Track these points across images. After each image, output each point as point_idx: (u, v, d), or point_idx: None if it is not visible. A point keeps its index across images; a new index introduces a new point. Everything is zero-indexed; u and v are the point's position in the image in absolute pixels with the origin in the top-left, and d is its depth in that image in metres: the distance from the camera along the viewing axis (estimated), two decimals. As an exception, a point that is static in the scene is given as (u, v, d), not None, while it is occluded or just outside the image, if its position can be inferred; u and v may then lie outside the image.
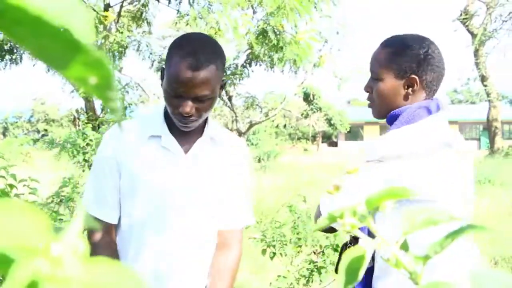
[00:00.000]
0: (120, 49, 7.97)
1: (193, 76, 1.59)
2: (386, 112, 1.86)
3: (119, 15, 8.79)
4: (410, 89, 1.80)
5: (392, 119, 1.84)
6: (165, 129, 1.74)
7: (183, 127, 1.70)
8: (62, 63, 0.27)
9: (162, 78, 1.69)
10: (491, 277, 0.41)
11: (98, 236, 1.75)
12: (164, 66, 1.69)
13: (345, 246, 1.94)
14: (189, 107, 1.62)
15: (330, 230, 1.89)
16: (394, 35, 1.91)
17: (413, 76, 1.78)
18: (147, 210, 1.73)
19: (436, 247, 0.41)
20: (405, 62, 1.79)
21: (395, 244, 0.43)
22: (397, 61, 1.80)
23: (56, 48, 0.26)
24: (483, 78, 26.95)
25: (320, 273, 3.98)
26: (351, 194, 1.71)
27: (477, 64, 25.58)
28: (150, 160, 1.73)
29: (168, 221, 1.75)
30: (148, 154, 1.73)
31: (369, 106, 1.93)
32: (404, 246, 0.45)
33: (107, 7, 8.50)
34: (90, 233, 1.77)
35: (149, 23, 10.42)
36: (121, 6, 8.93)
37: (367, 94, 1.92)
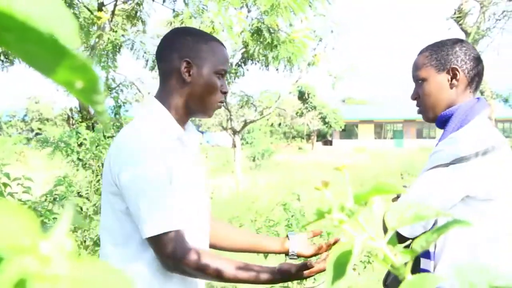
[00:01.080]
0: (114, 48, 7.95)
1: (227, 53, 1.85)
2: (438, 110, 1.91)
3: (113, 14, 8.77)
4: (454, 79, 1.86)
5: (442, 121, 1.89)
6: (181, 129, 1.77)
7: (218, 108, 1.84)
8: (48, 67, 0.28)
9: (188, 72, 1.74)
10: (475, 269, 0.41)
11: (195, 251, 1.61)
12: (192, 60, 1.74)
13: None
14: (227, 85, 1.84)
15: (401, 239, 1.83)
16: (429, 44, 1.98)
17: (454, 66, 1.85)
18: (193, 211, 1.76)
19: (422, 242, 0.42)
20: (442, 56, 1.87)
21: (382, 239, 0.43)
22: (434, 58, 1.88)
23: (43, 53, 0.27)
24: (477, 77, 27.00)
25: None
26: (424, 199, 1.73)
27: (471, 62, 25.59)
28: (186, 162, 1.75)
29: (204, 220, 1.82)
30: (184, 155, 1.75)
31: (419, 112, 1.98)
32: (392, 241, 0.45)
33: (101, 6, 8.48)
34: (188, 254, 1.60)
35: (143, 22, 10.40)
36: (115, 5, 8.91)
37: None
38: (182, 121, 1.79)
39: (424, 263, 1.85)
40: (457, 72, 1.85)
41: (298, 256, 1.98)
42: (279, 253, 2.05)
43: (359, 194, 0.44)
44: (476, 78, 1.88)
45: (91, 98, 0.28)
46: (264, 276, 1.66)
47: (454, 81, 1.86)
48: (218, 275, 1.61)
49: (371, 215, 0.44)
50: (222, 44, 1.82)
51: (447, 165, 1.72)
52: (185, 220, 1.65)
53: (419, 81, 1.92)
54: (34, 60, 0.28)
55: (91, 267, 0.26)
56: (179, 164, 1.70)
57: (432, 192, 1.74)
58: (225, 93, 1.82)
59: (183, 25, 7.08)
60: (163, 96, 1.77)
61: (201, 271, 1.59)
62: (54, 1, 0.27)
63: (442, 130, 1.89)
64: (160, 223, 1.56)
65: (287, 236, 2.04)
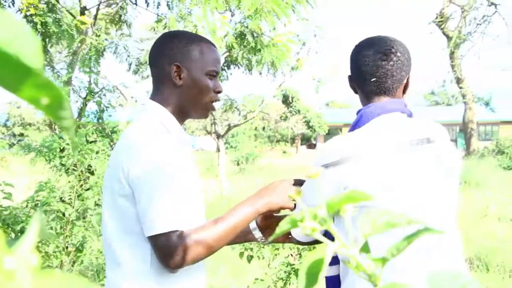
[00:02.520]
0: (97, 52, 7.91)
1: (218, 53, 1.88)
2: None
3: (95, 18, 8.72)
4: None
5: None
6: (181, 128, 1.82)
7: (212, 109, 1.88)
8: (14, 85, 0.28)
9: (178, 76, 1.77)
10: (447, 276, 0.42)
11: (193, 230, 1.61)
12: (181, 63, 1.77)
13: None
14: (220, 85, 1.87)
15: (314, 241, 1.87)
16: None
17: None
18: (194, 210, 1.75)
19: (393, 250, 0.42)
20: None
21: (354, 247, 0.44)
22: None
23: (7, 72, 0.28)
24: (458, 80, 27.26)
25: (297, 276, 3.99)
26: (310, 200, 1.72)
27: (452, 66, 25.87)
28: (187, 161, 1.76)
29: (202, 220, 1.81)
30: (185, 154, 1.76)
31: None
32: (365, 249, 0.46)
33: (83, 10, 8.43)
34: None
35: (128, 26, 10.36)
36: (98, 9, 8.87)
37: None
38: (179, 123, 1.83)
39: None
40: None
41: (261, 229, 2.01)
42: (249, 239, 2.08)
43: (332, 202, 0.45)
44: None
45: (57, 114, 0.29)
46: (247, 208, 1.73)
47: None
48: (219, 245, 1.64)
49: (343, 223, 0.44)
50: (212, 44, 1.85)
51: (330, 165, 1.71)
52: (189, 219, 1.65)
53: None
54: (0, 78, 0.29)
55: (56, 282, 0.26)
56: (186, 166, 1.72)
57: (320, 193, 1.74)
58: (218, 92, 1.85)
59: (166, 30, 7.07)
60: (159, 98, 1.80)
61: (201, 257, 1.61)
62: (17, 22, 0.28)
63: None
64: (169, 221, 1.56)
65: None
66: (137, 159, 1.61)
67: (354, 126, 1.84)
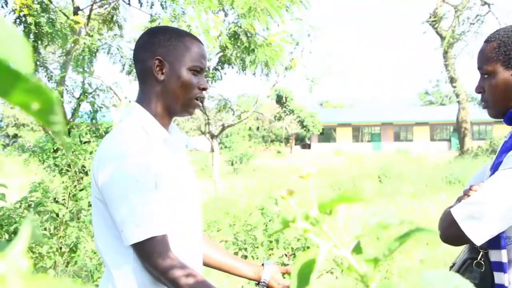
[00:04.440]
0: (91, 52, 7.89)
1: (205, 50, 1.80)
2: (504, 109, 1.77)
3: (89, 18, 8.70)
4: None
5: (510, 119, 1.75)
6: (166, 131, 1.75)
7: (197, 106, 1.81)
8: (4, 90, 0.28)
9: (161, 71, 1.72)
10: (440, 278, 0.42)
11: (173, 258, 1.56)
12: (163, 57, 1.72)
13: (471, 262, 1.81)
14: (205, 82, 1.80)
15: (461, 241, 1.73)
16: (495, 30, 1.81)
17: None
18: (183, 214, 1.73)
19: (385, 250, 0.42)
20: (511, 51, 1.71)
21: (347, 248, 0.44)
22: (502, 52, 1.72)
23: None
24: (452, 80, 27.36)
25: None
26: (495, 200, 1.61)
27: (446, 66, 25.95)
28: (174, 162, 1.74)
29: (196, 222, 1.81)
30: (170, 157, 1.73)
31: (484, 107, 1.84)
32: (357, 250, 0.46)
33: (76, 10, 8.41)
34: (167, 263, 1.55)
35: (120, 26, 10.34)
36: (91, 10, 8.85)
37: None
38: (165, 123, 1.77)
39: (497, 277, 1.71)
40: None
41: (268, 286, 1.99)
42: (251, 279, 2.05)
43: (324, 203, 0.45)
44: None
45: (47, 119, 0.29)
46: None
47: None
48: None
49: (335, 223, 0.44)
50: (198, 40, 1.79)
51: None
52: (172, 224, 1.64)
53: (485, 75, 1.78)
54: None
55: (46, 286, 0.26)
56: (165, 167, 1.68)
57: (508, 194, 1.60)
58: (203, 89, 1.78)
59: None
60: (143, 99, 1.75)
61: (172, 284, 1.54)
62: (6, 26, 0.28)
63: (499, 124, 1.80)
64: (142, 229, 1.53)
65: (262, 264, 2.04)
66: (104, 168, 1.58)
67: None
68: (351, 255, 0.43)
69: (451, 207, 1.73)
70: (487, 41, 1.79)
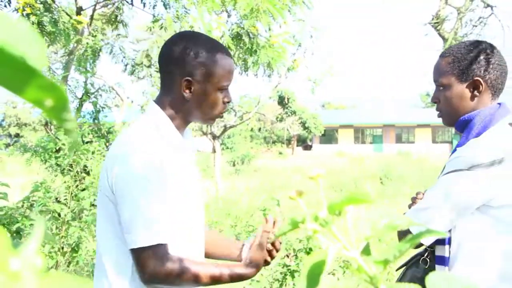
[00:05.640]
0: (94, 52, 7.89)
1: (233, 62, 1.76)
2: (457, 118, 1.90)
3: (91, 18, 8.71)
4: (476, 91, 1.84)
5: (462, 126, 1.88)
6: (180, 135, 1.73)
7: (219, 118, 1.81)
8: (19, 87, 0.28)
9: (188, 89, 1.68)
10: (446, 279, 0.42)
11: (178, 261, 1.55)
12: (193, 77, 1.67)
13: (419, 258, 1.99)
14: (230, 94, 1.76)
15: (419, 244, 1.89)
16: (450, 45, 1.98)
17: (476, 78, 1.82)
18: (189, 220, 1.73)
19: (395, 251, 0.42)
20: (466, 65, 1.83)
21: (356, 249, 0.44)
22: (457, 66, 1.85)
23: (13, 74, 0.28)
24: (454, 82, 27.31)
25: (293, 277, 3.99)
26: (440, 204, 1.75)
27: (448, 68, 25.89)
28: (181, 163, 1.73)
29: (200, 228, 1.80)
30: (180, 164, 1.72)
31: (439, 116, 1.97)
32: (366, 251, 0.46)
33: (79, 10, 8.42)
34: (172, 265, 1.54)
35: (124, 25, 10.34)
36: (94, 9, 8.85)
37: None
38: (181, 128, 1.75)
39: (439, 270, 1.83)
40: (480, 84, 1.82)
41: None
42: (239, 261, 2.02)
43: (333, 204, 0.45)
44: (499, 85, 1.86)
45: (60, 116, 0.29)
46: (239, 270, 1.67)
47: (476, 92, 1.84)
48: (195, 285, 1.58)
49: (345, 224, 0.44)
50: (227, 54, 1.73)
51: (464, 171, 1.71)
52: (173, 224, 1.63)
53: (440, 87, 1.91)
54: (5, 80, 0.29)
55: (61, 283, 0.26)
56: (176, 172, 1.66)
57: (448, 197, 1.74)
58: (228, 102, 1.75)
59: (163, 30, 7.05)
60: (163, 102, 1.72)
61: (173, 282, 1.55)
62: (23, 25, 0.28)
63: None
64: (147, 235, 1.51)
65: (243, 244, 1.99)
66: (119, 168, 1.57)
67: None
68: (360, 256, 0.43)
69: (404, 213, 1.88)
70: (442, 56, 1.92)
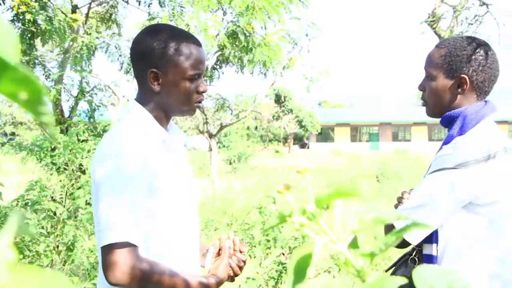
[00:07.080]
0: (89, 51, 7.88)
1: (203, 52, 1.73)
2: (439, 111, 1.93)
3: (87, 16, 8.68)
4: (460, 89, 1.86)
5: (447, 122, 1.91)
6: (164, 131, 1.72)
7: (197, 108, 1.78)
8: None
9: (156, 81, 1.67)
10: (435, 272, 0.41)
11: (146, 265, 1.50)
12: (158, 69, 1.66)
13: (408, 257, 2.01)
14: (204, 84, 1.74)
15: (403, 244, 1.89)
16: (449, 37, 1.99)
17: (463, 76, 1.84)
18: (181, 215, 1.72)
19: (381, 245, 0.42)
20: (456, 62, 1.84)
21: (344, 243, 0.43)
22: (448, 61, 1.86)
23: None
24: (450, 80, 27.37)
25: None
26: (425, 203, 1.77)
27: (444, 66, 25.94)
28: (171, 162, 1.72)
29: (193, 221, 1.79)
30: (167, 157, 1.71)
31: (423, 105, 2.00)
32: (354, 245, 0.45)
33: (74, 8, 8.39)
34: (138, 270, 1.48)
35: (118, 25, 10.33)
36: (89, 8, 8.83)
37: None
38: (164, 123, 1.74)
39: None
40: (465, 83, 1.84)
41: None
42: None
43: (321, 198, 0.44)
44: (486, 88, 1.86)
45: (35, 109, 0.29)
46: (205, 280, 1.63)
47: (460, 89, 1.85)
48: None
49: (332, 218, 0.44)
50: (195, 42, 1.71)
51: (451, 169, 1.73)
52: (166, 224, 1.62)
53: (428, 76, 1.93)
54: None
55: (33, 277, 0.26)
56: (162, 168, 1.65)
57: (436, 195, 1.75)
58: (202, 92, 1.73)
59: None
60: (141, 99, 1.72)
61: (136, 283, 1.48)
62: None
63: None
64: (115, 233, 1.46)
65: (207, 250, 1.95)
66: (100, 166, 1.55)
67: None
68: (348, 250, 0.43)
69: None
70: (437, 46, 1.93)
